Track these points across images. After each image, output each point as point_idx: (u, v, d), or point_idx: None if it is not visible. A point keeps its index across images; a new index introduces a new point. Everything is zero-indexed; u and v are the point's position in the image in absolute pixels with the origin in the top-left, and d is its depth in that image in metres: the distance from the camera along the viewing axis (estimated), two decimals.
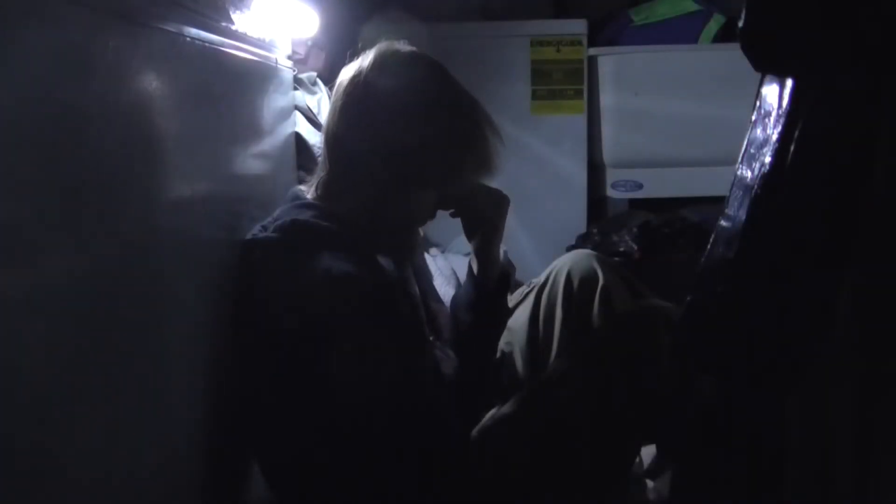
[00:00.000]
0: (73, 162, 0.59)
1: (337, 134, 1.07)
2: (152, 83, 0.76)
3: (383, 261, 1.11)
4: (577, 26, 2.39)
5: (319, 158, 1.13)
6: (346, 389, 0.94)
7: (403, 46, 1.10)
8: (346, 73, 1.09)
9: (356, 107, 1.06)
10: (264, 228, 1.02)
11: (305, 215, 1.02)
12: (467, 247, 2.34)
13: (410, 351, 1.02)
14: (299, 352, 0.95)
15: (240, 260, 1.00)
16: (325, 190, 1.08)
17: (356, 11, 2.20)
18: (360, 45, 1.11)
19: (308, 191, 1.11)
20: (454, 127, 1.07)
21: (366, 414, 0.95)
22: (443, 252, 2.08)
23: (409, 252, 1.16)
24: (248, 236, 1.02)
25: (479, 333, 1.20)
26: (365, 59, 1.07)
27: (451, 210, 1.18)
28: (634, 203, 2.44)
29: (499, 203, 1.17)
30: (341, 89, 1.08)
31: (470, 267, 1.22)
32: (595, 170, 2.48)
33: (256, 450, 1.07)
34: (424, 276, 1.27)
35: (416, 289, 1.20)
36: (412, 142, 1.04)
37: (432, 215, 1.14)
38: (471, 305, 1.20)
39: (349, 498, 1.01)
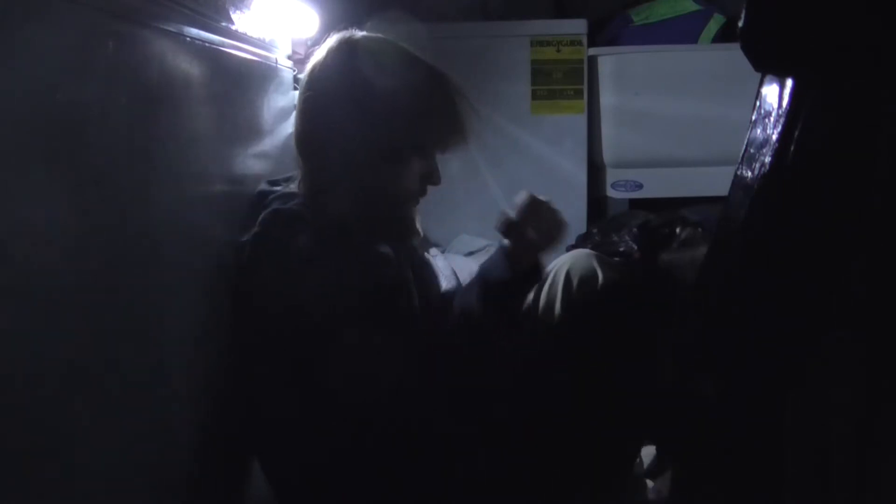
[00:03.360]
0: (74, 162, 0.59)
1: (305, 132, 1.08)
2: (152, 83, 0.76)
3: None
4: (577, 26, 2.38)
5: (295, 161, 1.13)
6: (336, 370, 0.94)
7: (356, 33, 1.10)
8: (305, 72, 1.09)
9: (317, 101, 1.06)
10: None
11: (281, 203, 1.03)
12: (467, 247, 2.35)
13: (397, 320, 1.01)
14: (289, 339, 0.95)
15: (234, 261, 1.01)
16: (306, 188, 1.08)
17: (356, 11, 2.19)
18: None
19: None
20: (417, 98, 1.07)
21: (358, 395, 0.95)
22: (443, 252, 2.08)
23: (404, 235, 1.15)
24: (243, 239, 1.02)
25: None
26: (319, 54, 1.08)
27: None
28: (634, 203, 2.44)
29: (559, 225, 1.17)
30: (301, 91, 1.09)
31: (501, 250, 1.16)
32: (595, 170, 2.48)
33: (257, 448, 1.07)
34: (426, 272, 1.26)
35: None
36: (376, 121, 1.04)
37: (421, 193, 1.12)
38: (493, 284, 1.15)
39: (349, 495, 1.01)
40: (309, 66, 1.09)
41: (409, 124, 1.05)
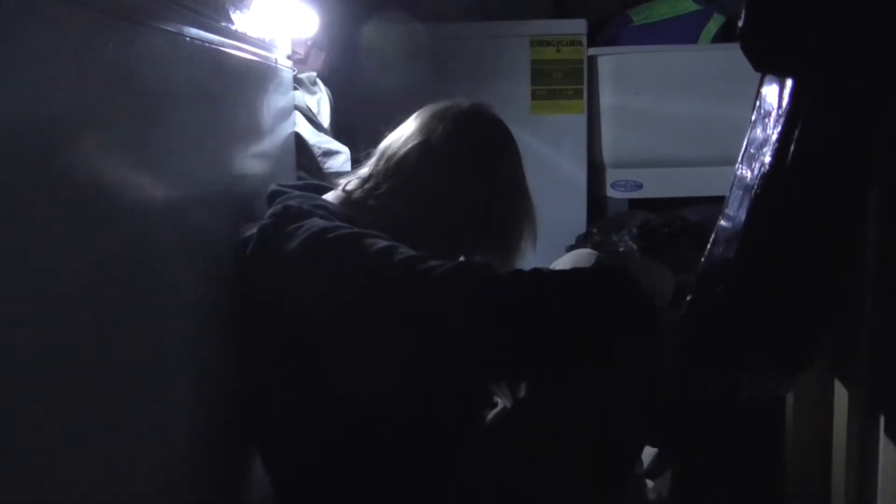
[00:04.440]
0: (73, 162, 0.59)
1: (405, 154, 1.07)
2: (152, 83, 0.76)
3: None
4: (577, 26, 2.39)
5: (368, 161, 1.12)
6: (339, 365, 0.93)
7: (490, 109, 1.14)
8: (441, 107, 1.11)
9: (438, 143, 1.07)
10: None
11: (297, 202, 1.02)
12: None
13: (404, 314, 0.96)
14: (292, 332, 0.95)
15: (237, 258, 1.00)
16: (361, 192, 1.07)
17: (356, 11, 2.20)
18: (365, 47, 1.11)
19: (339, 186, 1.11)
20: (509, 201, 1.10)
21: (362, 390, 0.95)
22: None
23: None
24: (245, 235, 1.02)
25: None
26: (463, 105, 1.10)
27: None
28: (634, 203, 2.44)
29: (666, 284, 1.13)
30: (429, 117, 1.09)
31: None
32: (595, 170, 2.48)
33: (259, 443, 1.07)
34: None
35: None
36: (469, 197, 1.07)
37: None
38: None
39: (350, 494, 1.01)
40: (447, 109, 1.10)
41: (484, 218, 1.09)
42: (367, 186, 1.08)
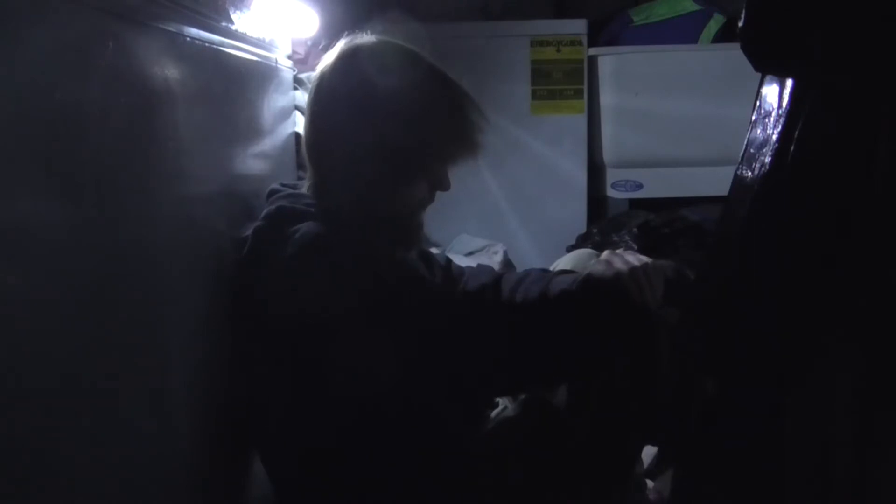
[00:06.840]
0: (73, 162, 0.59)
1: (314, 141, 1.06)
2: (152, 83, 0.76)
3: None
4: (577, 26, 2.39)
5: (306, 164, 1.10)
6: (340, 354, 0.93)
7: (365, 39, 1.06)
8: (313, 79, 1.06)
9: (325, 111, 1.04)
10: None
11: (289, 202, 1.02)
12: (467, 247, 2.35)
13: (403, 317, 0.96)
14: (286, 334, 0.95)
15: (235, 258, 1.00)
16: (314, 193, 1.07)
17: (356, 11, 2.20)
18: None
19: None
20: (429, 110, 1.03)
21: (357, 392, 0.95)
22: (443, 252, 2.08)
23: (414, 241, 1.13)
24: (244, 235, 1.02)
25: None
26: (326, 61, 1.05)
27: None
28: (634, 203, 2.44)
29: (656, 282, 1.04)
30: (310, 97, 1.06)
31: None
32: (595, 170, 2.48)
33: (258, 445, 1.07)
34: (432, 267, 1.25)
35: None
36: (383, 135, 1.01)
37: (430, 200, 1.09)
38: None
39: (352, 491, 1.01)
40: (317, 71, 1.05)
41: (417, 139, 1.02)
42: (312, 182, 1.07)
